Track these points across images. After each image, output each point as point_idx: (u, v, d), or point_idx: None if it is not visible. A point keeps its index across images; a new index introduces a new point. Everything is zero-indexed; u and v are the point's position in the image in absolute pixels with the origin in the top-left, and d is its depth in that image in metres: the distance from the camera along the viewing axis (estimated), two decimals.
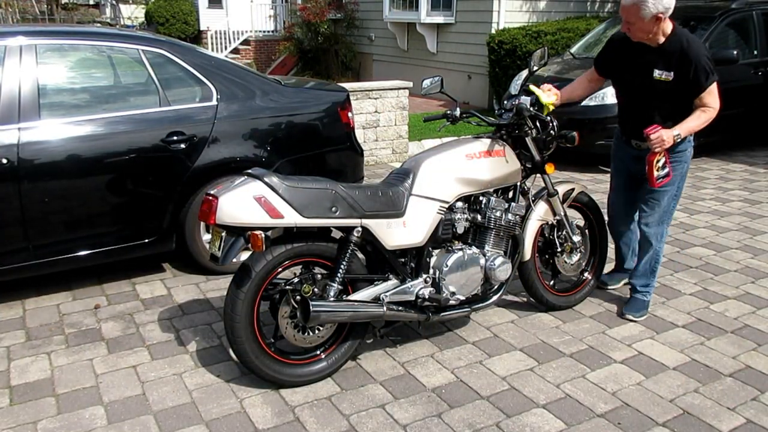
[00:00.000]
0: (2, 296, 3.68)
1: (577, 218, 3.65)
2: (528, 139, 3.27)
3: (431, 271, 3.02)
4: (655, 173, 3.13)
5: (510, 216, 3.19)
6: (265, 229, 2.58)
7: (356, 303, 2.80)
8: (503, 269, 3.14)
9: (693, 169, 6.84)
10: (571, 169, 6.81)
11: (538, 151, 3.31)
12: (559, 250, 3.49)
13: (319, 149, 4.20)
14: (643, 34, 3.07)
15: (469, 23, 10.52)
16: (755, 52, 7.14)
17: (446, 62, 11.17)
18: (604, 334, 3.32)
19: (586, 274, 3.66)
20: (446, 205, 3.01)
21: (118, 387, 2.82)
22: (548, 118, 3.25)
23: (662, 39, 3.09)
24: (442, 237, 3.04)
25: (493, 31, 9.85)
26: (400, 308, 2.91)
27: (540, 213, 3.37)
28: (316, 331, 2.82)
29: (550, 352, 3.14)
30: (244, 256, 2.74)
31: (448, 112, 3.30)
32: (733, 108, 7.00)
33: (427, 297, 2.95)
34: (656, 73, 3.12)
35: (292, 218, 2.59)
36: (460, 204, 3.09)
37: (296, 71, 14.82)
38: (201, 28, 18.07)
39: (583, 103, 6.46)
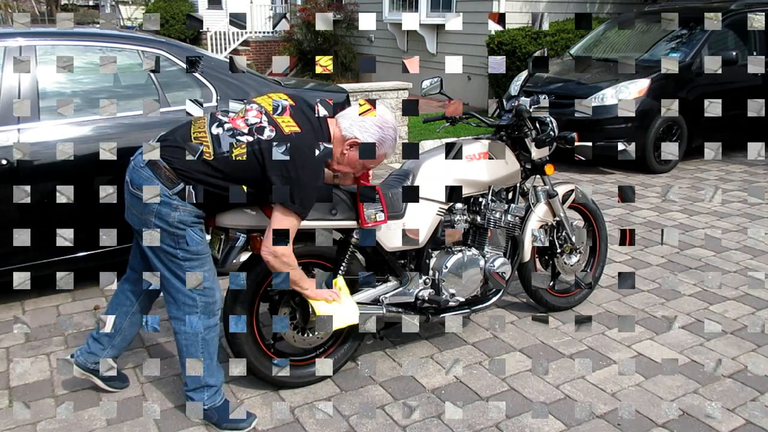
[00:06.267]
0: (2, 297, 3.67)
1: (576, 219, 3.65)
2: (528, 140, 3.27)
3: (431, 272, 3.02)
4: None
5: (509, 217, 3.19)
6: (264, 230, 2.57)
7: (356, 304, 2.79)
8: (503, 270, 3.14)
9: (692, 170, 6.84)
10: (571, 170, 6.81)
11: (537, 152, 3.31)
12: (558, 251, 3.49)
13: None
14: None
15: (469, 24, 10.53)
16: (754, 53, 7.14)
17: (446, 63, 11.16)
18: (604, 335, 3.32)
19: (585, 275, 3.67)
20: (446, 207, 3.01)
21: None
22: (548, 119, 3.25)
23: None
24: (442, 238, 3.04)
25: (493, 32, 9.86)
26: (400, 309, 2.91)
27: (539, 214, 3.37)
28: (316, 332, 2.82)
29: (550, 352, 3.14)
30: (244, 257, 2.74)
31: None
32: (732, 109, 7.02)
33: (426, 298, 2.95)
34: None
35: None
36: (459, 205, 3.09)
37: (296, 72, 14.82)
38: (200, 29, 18.06)
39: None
